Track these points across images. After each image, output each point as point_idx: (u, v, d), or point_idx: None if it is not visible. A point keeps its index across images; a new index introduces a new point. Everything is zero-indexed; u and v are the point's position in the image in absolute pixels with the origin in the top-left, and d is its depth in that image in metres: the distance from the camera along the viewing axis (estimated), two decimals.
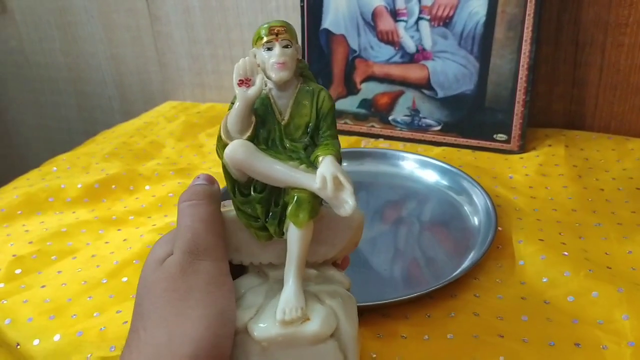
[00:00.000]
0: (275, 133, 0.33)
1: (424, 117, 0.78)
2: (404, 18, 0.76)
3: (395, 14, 0.77)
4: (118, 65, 1.12)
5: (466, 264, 0.53)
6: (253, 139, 0.33)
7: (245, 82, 0.32)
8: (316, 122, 0.33)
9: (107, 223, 0.65)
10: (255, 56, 0.33)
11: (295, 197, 0.32)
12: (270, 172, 0.32)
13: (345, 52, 0.81)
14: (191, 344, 0.30)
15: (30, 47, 1.20)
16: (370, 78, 0.80)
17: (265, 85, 0.33)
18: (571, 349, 0.44)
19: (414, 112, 0.79)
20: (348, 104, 0.82)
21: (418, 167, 0.70)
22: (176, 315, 0.31)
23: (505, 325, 0.47)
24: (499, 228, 0.57)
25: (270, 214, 0.34)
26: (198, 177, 0.37)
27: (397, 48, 0.78)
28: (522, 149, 0.74)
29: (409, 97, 0.78)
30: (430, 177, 0.68)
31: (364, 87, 0.81)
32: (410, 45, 0.77)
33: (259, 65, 0.33)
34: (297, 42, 0.33)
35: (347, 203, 0.31)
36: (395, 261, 0.57)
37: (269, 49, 0.32)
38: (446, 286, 0.50)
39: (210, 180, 0.37)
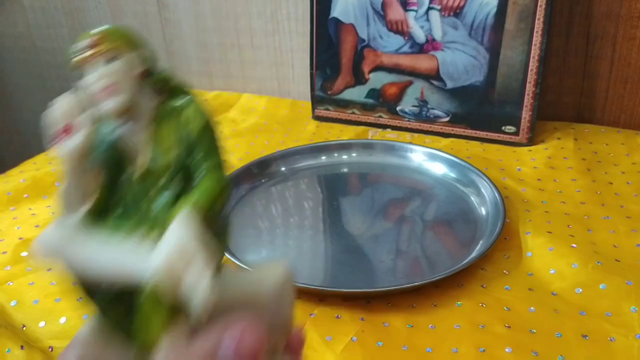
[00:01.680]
0: (127, 190, 0.22)
1: (433, 108, 0.78)
2: (414, 8, 0.76)
3: (405, 4, 0.76)
4: None
5: (473, 254, 0.53)
6: (99, 209, 0.22)
7: (65, 131, 0.22)
8: (186, 154, 0.22)
9: None
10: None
11: (141, 299, 0.20)
12: (94, 266, 0.21)
13: (354, 41, 0.80)
14: None
15: (38, 32, 1.20)
16: (378, 68, 0.80)
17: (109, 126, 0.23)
18: (578, 340, 0.44)
19: (423, 102, 0.78)
20: (356, 93, 0.82)
21: (426, 159, 0.69)
22: None
23: (512, 316, 0.46)
24: (507, 220, 0.57)
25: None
26: None
27: (406, 38, 0.77)
28: (531, 141, 0.73)
29: (417, 88, 0.78)
30: (438, 169, 0.68)
31: (372, 77, 0.80)
32: (420, 35, 0.76)
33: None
34: (135, 48, 0.23)
35: (197, 287, 0.19)
36: (401, 251, 0.57)
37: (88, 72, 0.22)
38: (453, 276, 0.50)
39: None
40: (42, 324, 0.50)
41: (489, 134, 0.75)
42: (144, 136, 0.22)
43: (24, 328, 0.50)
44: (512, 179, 0.66)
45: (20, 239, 0.59)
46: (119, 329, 0.22)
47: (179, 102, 0.23)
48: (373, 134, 0.80)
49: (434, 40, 0.76)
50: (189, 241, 0.20)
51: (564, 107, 0.79)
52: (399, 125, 0.80)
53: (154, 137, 0.22)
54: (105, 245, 0.21)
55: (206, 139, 0.23)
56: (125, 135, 0.22)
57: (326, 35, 0.82)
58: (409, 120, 0.79)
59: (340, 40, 0.81)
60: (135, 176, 0.22)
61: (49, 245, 0.22)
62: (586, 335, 0.44)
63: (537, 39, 0.70)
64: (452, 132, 0.77)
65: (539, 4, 0.69)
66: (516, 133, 0.74)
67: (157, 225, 0.21)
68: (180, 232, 0.20)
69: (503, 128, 0.74)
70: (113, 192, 0.22)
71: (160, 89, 0.23)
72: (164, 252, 0.19)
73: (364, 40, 0.80)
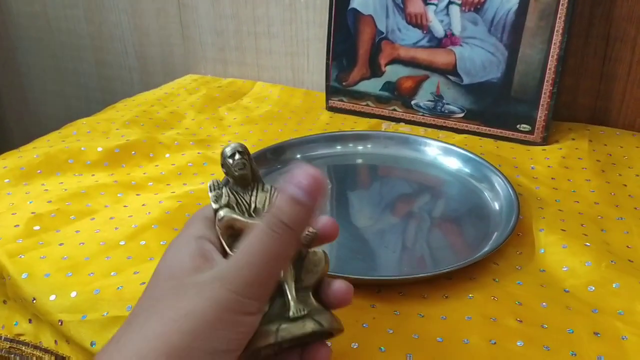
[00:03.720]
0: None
1: (448, 104, 0.78)
2: (435, 1, 0.75)
3: None
4: (141, 36, 1.12)
5: (486, 248, 0.52)
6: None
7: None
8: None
9: (126, 187, 0.65)
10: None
11: None
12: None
13: (372, 33, 0.80)
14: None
15: (54, 12, 1.20)
16: (395, 61, 0.80)
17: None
18: (590, 337, 0.44)
19: (438, 97, 0.78)
20: (371, 85, 0.82)
21: (441, 153, 0.69)
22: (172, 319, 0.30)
23: (524, 311, 0.46)
24: (521, 216, 0.57)
25: None
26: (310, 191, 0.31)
27: (425, 32, 0.77)
28: (545, 141, 0.73)
29: (433, 82, 0.78)
30: (453, 164, 0.68)
31: (388, 69, 0.80)
32: (439, 30, 0.76)
33: None
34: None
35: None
36: (415, 243, 0.57)
37: None
38: (465, 269, 0.50)
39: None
40: (52, 297, 0.50)
41: (504, 131, 0.75)
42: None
43: (34, 301, 0.50)
44: (526, 177, 0.66)
45: (32, 213, 0.60)
46: None
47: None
48: (386, 127, 0.80)
49: (452, 35, 0.75)
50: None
51: (579, 108, 0.79)
52: (412, 119, 0.80)
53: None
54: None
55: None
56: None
57: (344, 26, 0.81)
58: (423, 115, 0.79)
59: (358, 32, 0.81)
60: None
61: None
62: (598, 333, 0.44)
63: (557, 38, 0.70)
64: (466, 129, 0.77)
65: (561, 2, 0.69)
66: (531, 132, 0.74)
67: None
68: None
69: (518, 126, 0.74)
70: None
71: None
72: None
73: (382, 33, 0.79)
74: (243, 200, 0.40)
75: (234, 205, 0.39)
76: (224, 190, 0.39)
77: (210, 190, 0.39)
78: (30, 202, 0.62)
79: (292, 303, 0.35)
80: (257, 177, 0.41)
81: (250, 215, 0.39)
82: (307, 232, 0.36)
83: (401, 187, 0.68)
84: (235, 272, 0.31)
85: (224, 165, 0.40)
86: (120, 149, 0.72)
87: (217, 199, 0.39)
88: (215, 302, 0.30)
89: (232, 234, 0.37)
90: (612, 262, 0.50)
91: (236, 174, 0.39)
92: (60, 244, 0.56)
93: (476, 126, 0.76)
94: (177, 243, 0.35)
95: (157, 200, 0.62)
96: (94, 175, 0.68)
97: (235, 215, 0.37)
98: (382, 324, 0.45)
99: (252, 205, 0.40)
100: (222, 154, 0.40)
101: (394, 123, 0.81)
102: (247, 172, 0.39)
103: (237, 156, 0.39)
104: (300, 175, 0.30)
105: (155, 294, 0.32)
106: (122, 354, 0.29)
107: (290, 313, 0.35)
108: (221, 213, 0.37)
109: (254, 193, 0.40)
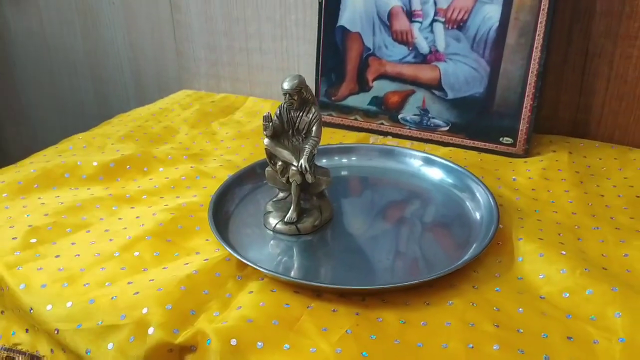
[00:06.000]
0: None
1: (433, 117, 0.80)
2: (419, 19, 0.78)
3: (410, 15, 0.79)
4: (136, 52, 1.14)
5: (466, 257, 0.55)
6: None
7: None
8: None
9: (120, 200, 0.67)
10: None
11: None
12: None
13: (359, 49, 0.83)
14: None
15: (51, 30, 1.23)
16: (382, 76, 0.82)
17: None
18: (563, 341, 0.46)
19: (424, 111, 0.81)
20: (359, 100, 0.84)
21: (424, 164, 0.72)
22: None
23: (501, 316, 0.49)
24: (500, 225, 0.59)
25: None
26: None
27: (410, 48, 0.80)
28: (527, 153, 0.76)
29: (419, 97, 0.80)
30: (436, 174, 0.70)
31: (375, 84, 0.83)
32: (424, 46, 0.79)
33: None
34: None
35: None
36: (398, 251, 0.59)
37: None
38: (446, 277, 0.52)
39: None
40: (49, 307, 0.52)
41: (487, 144, 0.77)
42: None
43: (31, 311, 0.52)
44: (508, 188, 0.68)
45: (29, 226, 0.62)
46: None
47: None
48: (374, 141, 0.82)
49: (437, 51, 0.78)
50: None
51: (560, 121, 0.82)
52: (399, 132, 0.82)
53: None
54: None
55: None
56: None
57: (333, 43, 0.84)
58: (409, 129, 0.82)
59: (346, 48, 0.84)
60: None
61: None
62: (571, 337, 0.46)
63: (536, 54, 0.72)
64: (451, 142, 0.79)
65: (540, 20, 0.71)
66: (513, 144, 0.76)
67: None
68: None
69: (501, 139, 0.77)
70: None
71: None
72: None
73: (369, 49, 0.82)
74: (291, 118, 0.58)
75: (284, 123, 0.58)
76: (272, 122, 0.57)
77: (263, 121, 0.57)
78: (27, 216, 0.64)
79: (290, 211, 0.60)
80: (308, 102, 0.57)
81: (293, 131, 0.58)
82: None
83: (386, 197, 0.70)
84: None
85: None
86: (115, 164, 0.74)
87: (265, 128, 0.57)
88: None
89: (272, 155, 0.59)
90: (586, 269, 0.52)
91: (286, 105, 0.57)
92: (57, 256, 0.58)
93: (461, 139, 0.79)
94: None
95: (151, 212, 0.64)
96: (89, 189, 0.71)
97: (273, 145, 0.58)
98: (366, 330, 0.47)
99: (296, 125, 0.58)
100: (282, 87, 0.56)
101: (381, 137, 0.83)
102: (294, 106, 0.57)
103: (287, 97, 0.56)
104: None
105: None
106: None
107: (286, 218, 0.60)
108: (265, 141, 0.58)
109: (301, 115, 0.57)
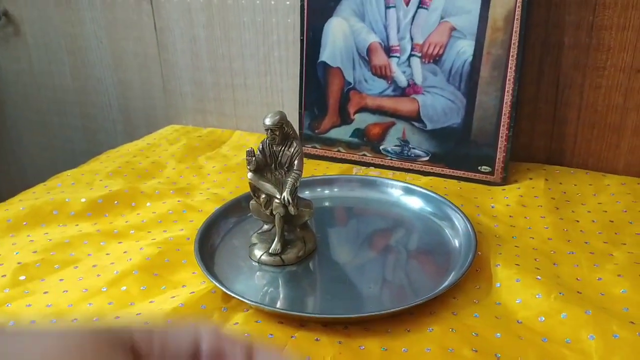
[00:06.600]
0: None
1: (413, 148, 0.83)
2: (397, 54, 0.81)
3: (388, 50, 0.82)
4: (124, 90, 1.17)
5: (445, 284, 0.56)
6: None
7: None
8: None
9: (108, 236, 0.68)
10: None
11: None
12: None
13: (340, 84, 0.86)
14: None
15: (40, 69, 1.25)
16: (363, 109, 0.85)
17: None
18: None
19: (404, 142, 0.83)
20: (342, 132, 0.87)
21: (404, 194, 0.74)
22: None
23: (480, 341, 0.50)
24: (479, 252, 0.61)
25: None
26: None
27: (389, 82, 0.83)
28: (505, 181, 0.78)
29: (399, 129, 0.83)
30: (416, 203, 0.72)
31: (357, 117, 0.85)
32: (402, 80, 0.82)
33: None
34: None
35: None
36: (379, 280, 0.61)
37: None
38: (426, 304, 0.54)
39: None
40: None
41: (466, 173, 0.80)
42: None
43: None
44: (486, 215, 0.70)
45: (18, 263, 0.63)
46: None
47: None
48: (357, 172, 0.84)
49: (415, 84, 0.81)
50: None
51: (536, 150, 0.84)
52: (381, 163, 0.85)
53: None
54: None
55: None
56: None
57: (315, 78, 0.87)
58: (391, 159, 0.84)
59: (328, 83, 0.86)
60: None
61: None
62: None
63: (509, 86, 0.75)
64: (432, 171, 0.82)
65: (511, 54, 0.75)
66: (491, 173, 0.78)
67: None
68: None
69: (479, 168, 0.79)
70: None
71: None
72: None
73: (350, 83, 0.85)
74: (273, 153, 0.60)
75: (267, 157, 0.61)
76: (255, 157, 0.60)
77: (246, 156, 0.60)
78: (16, 253, 0.65)
79: (274, 242, 0.62)
80: (290, 137, 0.60)
81: (275, 165, 0.61)
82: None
83: (368, 227, 0.72)
84: None
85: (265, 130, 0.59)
86: (103, 200, 0.75)
87: (248, 163, 0.60)
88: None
89: (255, 189, 0.62)
90: (560, 293, 0.54)
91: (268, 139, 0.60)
92: (45, 292, 0.59)
93: (441, 168, 0.81)
94: None
95: (138, 247, 0.66)
96: (77, 225, 0.72)
97: (257, 179, 0.61)
98: (348, 358, 0.49)
99: (279, 159, 0.61)
100: (263, 123, 0.59)
101: (364, 168, 0.85)
102: (276, 141, 0.59)
103: (269, 132, 0.59)
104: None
105: None
106: None
107: (270, 250, 0.62)
108: (248, 175, 0.61)
109: (283, 149, 0.60)
